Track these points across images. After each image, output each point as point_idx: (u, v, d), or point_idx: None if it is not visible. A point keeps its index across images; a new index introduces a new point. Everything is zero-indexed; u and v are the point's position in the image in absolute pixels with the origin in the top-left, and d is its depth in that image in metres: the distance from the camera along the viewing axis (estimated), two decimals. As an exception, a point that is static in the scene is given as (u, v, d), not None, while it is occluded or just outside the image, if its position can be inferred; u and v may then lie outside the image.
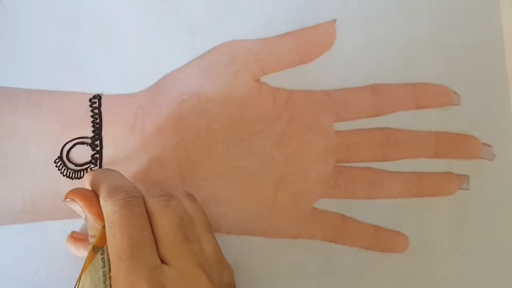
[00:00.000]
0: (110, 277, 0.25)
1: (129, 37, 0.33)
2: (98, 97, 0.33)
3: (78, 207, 0.27)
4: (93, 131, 0.32)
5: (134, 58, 0.33)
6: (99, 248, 0.25)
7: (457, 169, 0.33)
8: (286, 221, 0.32)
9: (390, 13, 0.34)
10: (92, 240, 0.26)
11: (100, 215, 0.26)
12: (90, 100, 0.33)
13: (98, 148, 0.32)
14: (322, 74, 0.33)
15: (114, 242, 0.24)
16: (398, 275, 0.32)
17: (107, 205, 0.26)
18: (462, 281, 0.33)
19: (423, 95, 0.34)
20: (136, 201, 0.26)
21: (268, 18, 0.34)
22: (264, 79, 0.33)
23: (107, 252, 0.25)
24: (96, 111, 0.33)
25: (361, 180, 0.33)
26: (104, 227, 0.26)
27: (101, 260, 0.25)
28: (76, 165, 0.32)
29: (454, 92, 0.34)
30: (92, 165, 0.32)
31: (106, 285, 0.25)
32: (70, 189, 0.28)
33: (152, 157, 0.32)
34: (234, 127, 0.33)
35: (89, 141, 0.32)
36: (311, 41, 0.33)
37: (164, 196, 0.27)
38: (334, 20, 0.34)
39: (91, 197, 0.27)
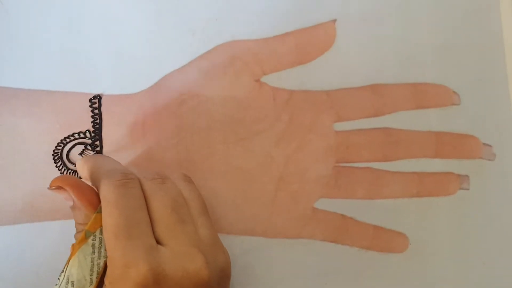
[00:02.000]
0: (98, 264, 0.25)
1: (129, 37, 0.33)
2: (98, 97, 0.33)
3: (66, 195, 0.27)
4: (93, 131, 0.32)
5: (134, 58, 0.33)
6: (91, 233, 0.25)
7: (457, 169, 0.33)
8: (286, 221, 0.32)
9: (390, 13, 0.34)
10: (81, 228, 0.26)
11: (92, 203, 0.26)
12: (90, 100, 0.33)
13: (98, 149, 0.32)
14: (322, 74, 0.33)
15: (111, 222, 0.24)
16: (398, 275, 0.32)
17: (105, 186, 0.25)
18: (462, 281, 0.33)
19: (423, 95, 0.34)
20: (133, 183, 0.26)
21: (268, 18, 0.34)
22: (264, 79, 0.33)
23: (99, 238, 0.25)
24: (96, 111, 0.33)
25: (361, 180, 0.33)
26: (98, 211, 0.26)
27: (92, 245, 0.25)
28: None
29: (454, 92, 0.34)
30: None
31: (93, 272, 0.25)
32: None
33: (152, 157, 0.32)
34: (234, 127, 0.33)
35: (89, 141, 0.32)
36: (311, 41, 0.33)
37: (158, 178, 0.27)
38: (334, 20, 0.34)
39: (81, 185, 0.27)
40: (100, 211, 0.26)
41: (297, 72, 0.33)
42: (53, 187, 0.27)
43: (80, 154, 0.32)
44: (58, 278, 0.25)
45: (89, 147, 0.32)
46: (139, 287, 0.23)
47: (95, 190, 0.27)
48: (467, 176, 0.33)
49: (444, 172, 0.33)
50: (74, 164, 0.32)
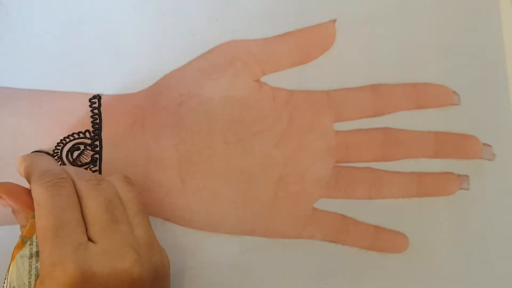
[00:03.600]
0: (36, 267, 0.25)
1: (129, 37, 0.33)
2: (98, 97, 0.33)
3: (3, 201, 0.27)
4: (92, 131, 0.32)
5: (134, 58, 0.33)
6: (27, 238, 0.25)
7: (457, 169, 0.33)
8: (286, 222, 0.32)
9: (390, 13, 0.34)
10: (24, 230, 0.26)
11: (28, 205, 0.27)
12: (90, 100, 0.33)
13: (97, 149, 0.32)
14: (322, 74, 0.33)
15: (40, 224, 0.24)
16: (398, 275, 0.32)
17: (35, 188, 0.26)
18: (462, 281, 0.33)
19: (423, 95, 0.34)
20: (63, 182, 0.26)
21: (268, 18, 0.34)
22: (264, 79, 0.33)
23: (35, 242, 0.25)
24: (96, 111, 0.33)
25: (361, 181, 0.33)
26: (34, 217, 0.26)
27: (29, 251, 0.25)
28: (76, 165, 0.32)
29: (454, 92, 0.34)
30: (91, 166, 0.32)
31: (31, 275, 0.25)
32: None
33: (152, 157, 0.32)
34: (234, 127, 0.33)
35: (88, 141, 0.32)
36: (311, 41, 0.33)
37: (94, 180, 0.27)
38: (334, 20, 0.34)
39: (15, 190, 0.27)
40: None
41: (297, 72, 0.33)
42: None
43: (80, 154, 0.32)
44: (3, 286, 0.25)
45: (88, 147, 0.32)
46: (66, 285, 0.23)
47: (30, 192, 0.27)
48: (466, 176, 0.33)
49: (444, 172, 0.33)
50: (73, 164, 0.32)
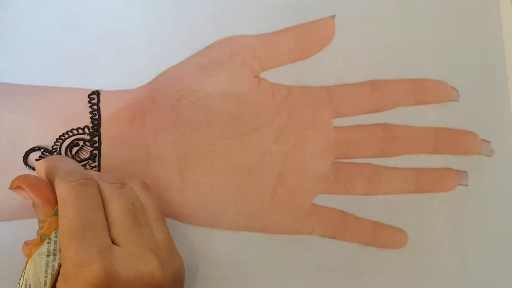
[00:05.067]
0: (52, 266, 0.25)
1: (128, 33, 0.33)
2: (97, 93, 0.33)
3: (24, 194, 0.27)
4: (91, 127, 0.32)
5: (133, 54, 0.33)
6: (46, 236, 0.25)
7: (456, 165, 0.33)
8: (285, 217, 0.32)
9: (389, 9, 0.34)
10: (42, 225, 0.26)
11: (49, 200, 0.26)
12: (89, 96, 0.33)
13: (96, 145, 0.32)
14: (321, 70, 0.33)
15: (65, 222, 0.24)
16: (397, 271, 0.32)
17: (61, 186, 0.26)
18: (461, 277, 0.33)
19: (422, 91, 0.34)
20: (90, 183, 0.26)
21: (267, 14, 0.34)
22: (263, 75, 0.33)
23: (54, 241, 0.25)
24: (95, 107, 0.32)
25: (360, 176, 0.33)
26: (53, 215, 0.26)
27: (47, 249, 0.25)
28: (75, 161, 0.32)
29: (453, 88, 0.34)
30: (90, 162, 0.32)
31: (48, 274, 0.25)
32: None
33: (151, 153, 0.32)
34: (233, 123, 0.33)
35: (87, 137, 0.32)
36: (310, 37, 0.33)
37: (117, 183, 0.27)
38: (333, 16, 0.34)
39: (38, 183, 0.27)
40: (55, 214, 0.26)
41: (296, 68, 0.33)
42: (13, 187, 0.27)
43: (78, 150, 0.32)
44: (19, 283, 0.25)
45: (87, 143, 0.32)
46: (91, 286, 0.23)
47: (53, 188, 0.27)
48: (465, 172, 0.33)
49: (443, 168, 0.33)
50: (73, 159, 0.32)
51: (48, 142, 0.32)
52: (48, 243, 0.25)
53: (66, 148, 0.32)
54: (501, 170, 0.34)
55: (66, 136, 0.32)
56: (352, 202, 0.33)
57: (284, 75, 0.33)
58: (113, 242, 0.25)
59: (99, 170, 0.32)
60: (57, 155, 0.32)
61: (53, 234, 0.25)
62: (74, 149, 0.32)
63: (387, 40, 0.34)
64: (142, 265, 0.25)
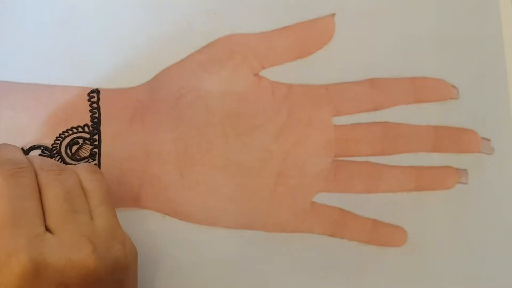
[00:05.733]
0: None
1: (128, 31, 0.33)
2: (97, 91, 0.33)
3: None
4: (91, 125, 0.32)
5: (132, 52, 0.33)
6: None
7: (455, 163, 0.33)
8: (285, 216, 0.33)
9: (389, 7, 0.34)
10: None
11: None
12: (88, 94, 0.33)
13: (96, 143, 0.32)
14: (321, 68, 0.33)
15: None
16: (396, 269, 0.32)
17: None
18: (460, 275, 0.33)
19: (422, 89, 0.34)
20: (23, 172, 0.26)
21: (267, 12, 0.33)
22: (262, 73, 0.33)
23: None
24: (95, 105, 0.32)
25: (360, 175, 0.33)
26: None
27: None
28: (75, 160, 0.32)
29: (453, 86, 0.34)
30: (90, 160, 0.32)
31: None
32: None
33: (151, 151, 0.32)
34: (233, 121, 0.33)
35: (87, 135, 0.32)
36: (310, 35, 0.33)
37: (56, 170, 0.27)
38: (333, 14, 0.34)
39: None
40: None
41: (296, 66, 0.33)
42: None
43: (78, 148, 0.32)
44: None
45: (87, 141, 0.32)
46: (19, 276, 0.23)
47: None
48: (465, 170, 0.33)
49: (443, 166, 0.33)
50: (72, 159, 0.32)
51: (48, 140, 0.32)
52: None
53: (66, 146, 0.32)
54: (501, 168, 0.34)
55: (66, 134, 0.32)
56: (351, 201, 0.33)
57: (284, 73, 0.33)
58: (49, 230, 0.25)
59: (99, 168, 0.32)
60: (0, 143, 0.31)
61: None
62: (74, 147, 0.32)
63: (387, 38, 0.34)
64: (74, 253, 0.24)
